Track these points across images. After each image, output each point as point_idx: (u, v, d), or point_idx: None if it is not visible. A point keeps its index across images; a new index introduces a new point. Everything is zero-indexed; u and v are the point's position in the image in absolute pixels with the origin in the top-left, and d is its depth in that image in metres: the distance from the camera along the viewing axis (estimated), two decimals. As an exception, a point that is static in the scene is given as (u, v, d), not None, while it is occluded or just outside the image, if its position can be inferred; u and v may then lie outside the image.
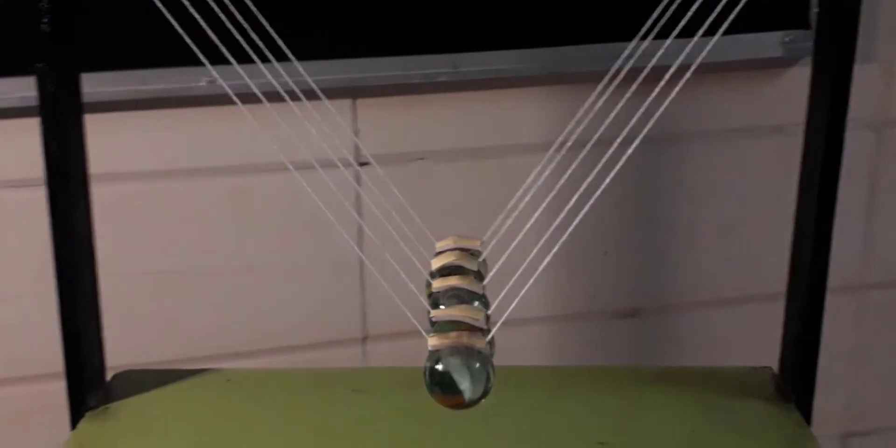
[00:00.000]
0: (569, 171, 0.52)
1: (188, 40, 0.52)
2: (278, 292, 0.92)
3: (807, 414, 0.64)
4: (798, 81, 0.91)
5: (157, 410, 0.65)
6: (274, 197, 0.90)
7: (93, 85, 0.81)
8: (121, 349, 0.87)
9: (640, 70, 0.57)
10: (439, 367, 0.42)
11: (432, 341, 0.42)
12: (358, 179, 0.88)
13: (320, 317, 0.94)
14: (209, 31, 0.51)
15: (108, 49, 0.80)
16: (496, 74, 0.86)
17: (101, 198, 0.87)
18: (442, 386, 0.42)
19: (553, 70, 0.87)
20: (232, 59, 0.54)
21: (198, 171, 0.88)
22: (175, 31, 0.51)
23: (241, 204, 0.89)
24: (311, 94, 0.86)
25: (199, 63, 0.52)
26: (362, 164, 0.89)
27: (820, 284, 0.62)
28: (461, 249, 0.50)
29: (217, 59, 0.53)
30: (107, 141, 0.86)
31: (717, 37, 0.52)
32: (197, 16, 0.52)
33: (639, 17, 0.58)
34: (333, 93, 0.86)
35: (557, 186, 0.51)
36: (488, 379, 0.42)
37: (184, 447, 0.61)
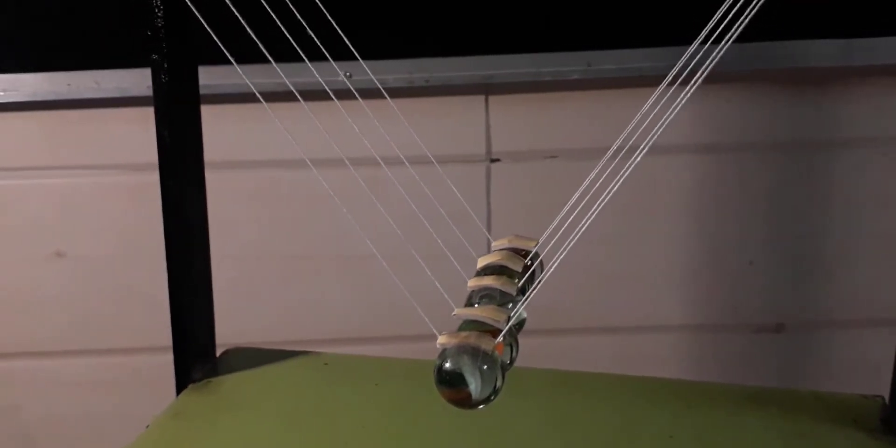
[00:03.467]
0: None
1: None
2: (406, 282, 0.94)
3: (911, 450, 0.59)
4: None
5: (253, 387, 0.68)
6: (404, 189, 0.91)
7: (241, 76, 0.86)
8: (249, 328, 0.91)
9: (787, 70, 0.51)
10: (447, 365, 0.42)
11: (441, 339, 0.42)
12: (488, 175, 0.88)
13: (448, 308, 0.95)
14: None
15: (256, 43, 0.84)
16: (630, 73, 0.83)
17: (245, 184, 0.92)
18: (448, 384, 0.42)
19: (691, 70, 0.84)
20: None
21: (335, 162, 0.91)
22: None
23: (373, 194, 0.92)
24: (445, 90, 0.87)
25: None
26: (493, 161, 0.89)
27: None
28: (512, 249, 0.50)
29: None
30: (250, 130, 0.90)
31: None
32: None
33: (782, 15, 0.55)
34: (467, 89, 0.88)
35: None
36: (496, 381, 0.42)
37: (268, 422, 0.64)
